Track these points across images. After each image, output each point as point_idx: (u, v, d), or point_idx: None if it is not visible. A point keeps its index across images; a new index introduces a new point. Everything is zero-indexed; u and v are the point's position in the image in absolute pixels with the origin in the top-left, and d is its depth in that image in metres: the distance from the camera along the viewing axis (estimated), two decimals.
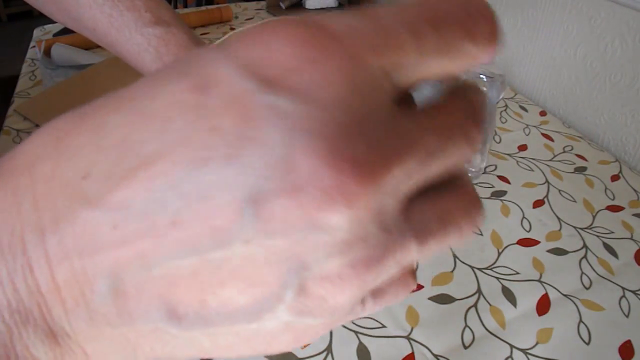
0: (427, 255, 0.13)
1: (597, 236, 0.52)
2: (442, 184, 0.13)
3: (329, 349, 0.40)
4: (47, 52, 0.80)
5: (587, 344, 0.41)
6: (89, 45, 0.85)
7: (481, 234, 0.52)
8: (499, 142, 0.67)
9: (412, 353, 0.39)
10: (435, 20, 0.12)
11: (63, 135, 0.12)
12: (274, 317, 0.11)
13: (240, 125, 0.10)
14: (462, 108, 0.13)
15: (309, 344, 0.40)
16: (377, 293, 0.13)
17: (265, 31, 0.11)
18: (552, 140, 0.68)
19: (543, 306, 0.44)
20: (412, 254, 0.12)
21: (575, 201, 0.57)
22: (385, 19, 0.12)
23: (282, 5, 1.09)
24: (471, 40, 0.12)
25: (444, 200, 0.13)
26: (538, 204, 0.56)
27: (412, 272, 0.14)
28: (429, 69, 0.12)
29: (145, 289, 0.11)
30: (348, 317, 0.13)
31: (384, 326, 0.42)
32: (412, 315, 0.43)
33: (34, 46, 0.87)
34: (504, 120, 0.72)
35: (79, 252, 0.11)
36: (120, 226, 0.11)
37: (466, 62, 0.13)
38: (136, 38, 0.40)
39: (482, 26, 0.12)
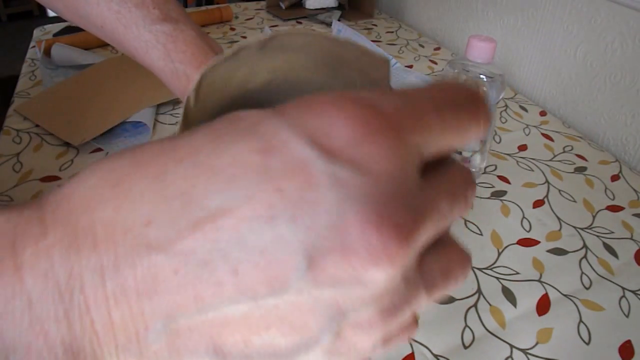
0: (430, 303, 0.15)
1: (597, 236, 0.52)
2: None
3: None
4: (47, 52, 0.80)
5: (587, 344, 0.41)
6: (89, 45, 0.85)
7: (481, 234, 0.52)
8: (499, 142, 0.67)
9: (412, 353, 0.40)
10: (453, 105, 0.14)
11: (121, 180, 0.12)
12: (308, 358, 0.13)
13: (302, 188, 0.11)
14: (461, 173, 0.15)
15: None
16: (387, 338, 0.15)
17: (326, 106, 0.12)
18: (552, 140, 0.68)
19: (543, 306, 0.44)
20: (422, 302, 0.14)
21: (575, 201, 0.57)
22: (418, 100, 0.14)
23: (282, 5, 1.09)
24: (476, 123, 0.15)
25: (444, 257, 0.15)
26: (538, 204, 0.56)
27: (416, 319, 0.16)
28: (443, 143, 0.14)
29: (197, 329, 0.12)
30: (369, 355, 0.14)
31: None
32: None
33: (34, 46, 0.87)
34: (504, 120, 0.72)
35: (138, 294, 0.12)
36: (182, 272, 0.11)
37: (468, 139, 0.15)
38: (144, 35, 0.40)
39: (482, 113, 0.15)
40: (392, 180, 0.12)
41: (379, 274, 0.12)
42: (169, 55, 0.40)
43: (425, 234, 0.13)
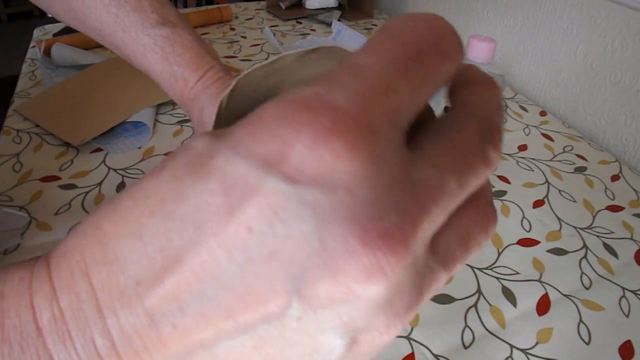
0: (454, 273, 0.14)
1: (597, 236, 0.52)
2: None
3: None
4: (47, 52, 0.80)
5: (587, 344, 0.41)
6: (89, 45, 0.85)
7: None
8: None
9: (412, 353, 0.40)
10: (416, 54, 0.12)
11: (106, 239, 0.12)
12: None
13: (272, 223, 0.11)
14: (475, 126, 0.13)
15: None
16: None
17: (274, 123, 0.11)
18: (552, 140, 0.68)
19: (543, 306, 0.44)
20: (442, 281, 0.13)
21: (575, 201, 0.57)
22: (374, 67, 0.12)
23: (282, 5, 1.09)
24: (447, 60, 0.13)
25: (463, 222, 0.13)
26: (538, 204, 0.56)
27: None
28: (421, 100, 0.13)
29: None
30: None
31: None
32: None
33: (34, 46, 0.87)
34: (504, 120, 0.72)
35: (146, 349, 0.12)
36: (180, 325, 0.12)
37: (447, 78, 0.13)
38: (142, 39, 0.40)
39: (451, 44, 0.13)
40: (368, 184, 0.11)
41: (377, 288, 0.11)
42: (167, 59, 0.40)
43: (432, 223, 0.12)
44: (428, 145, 0.13)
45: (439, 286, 0.13)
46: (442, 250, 0.13)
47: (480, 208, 0.14)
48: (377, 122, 0.11)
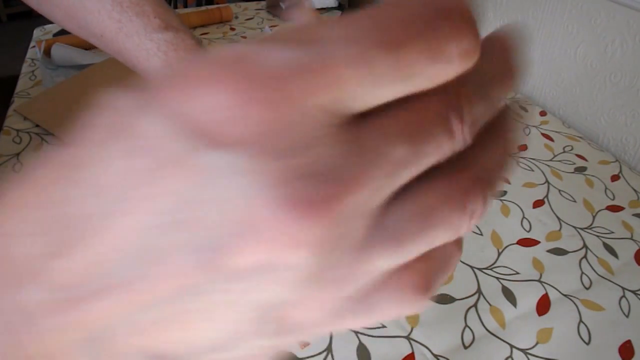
0: (417, 254, 0.12)
1: (597, 236, 0.52)
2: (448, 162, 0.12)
3: (329, 349, 0.40)
4: (47, 52, 0.80)
5: (587, 344, 0.41)
6: (89, 46, 0.85)
7: (481, 234, 0.52)
8: None
9: (412, 353, 0.40)
10: (389, 41, 0.10)
11: (4, 208, 0.12)
12: (252, 345, 0.12)
13: (185, 187, 0.10)
14: (439, 95, 0.11)
15: (309, 344, 0.40)
16: (367, 306, 0.13)
17: (190, 79, 0.10)
18: (552, 140, 0.68)
19: (543, 306, 0.44)
20: (389, 259, 0.12)
21: (575, 201, 0.57)
22: (327, 43, 0.10)
23: (282, 5, 1.09)
24: (438, 60, 0.10)
25: (427, 193, 0.12)
26: (538, 204, 0.56)
27: (425, 285, 0.13)
28: (389, 93, 0.11)
29: (119, 344, 0.12)
30: (335, 324, 0.13)
31: (383, 326, 0.42)
32: (412, 316, 0.43)
33: (34, 46, 0.87)
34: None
35: (49, 329, 0.11)
36: (81, 300, 0.11)
37: (437, 81, 0.11)
38: (145, 44, 0.40)
39: (455, 39, 0.11)
40: (287, 152, 0.10)
41: (295, 257, 0.10)
42: (170, 64, 0.41)
43: (371, 192, 0.11)
44: (380, 113, 0.11)
45: (386, 264, 0.12)
46: (392, 225, 0.12)
47: (458, 177, 0.12)
48: (300, 98, 0.10)
